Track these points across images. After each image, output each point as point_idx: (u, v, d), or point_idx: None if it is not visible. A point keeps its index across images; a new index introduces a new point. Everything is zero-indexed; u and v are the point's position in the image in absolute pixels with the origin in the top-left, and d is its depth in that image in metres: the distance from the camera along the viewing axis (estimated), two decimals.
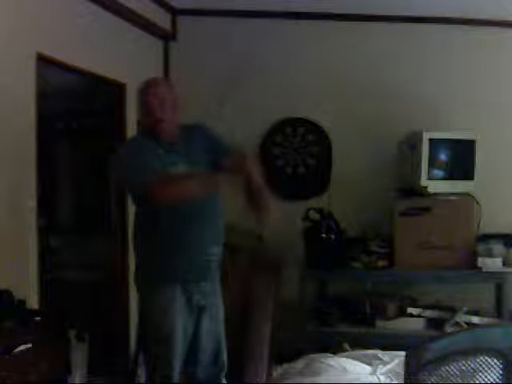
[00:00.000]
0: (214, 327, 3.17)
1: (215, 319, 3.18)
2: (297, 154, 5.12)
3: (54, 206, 5.54)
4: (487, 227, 4.61)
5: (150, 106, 3.02)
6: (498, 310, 4.53)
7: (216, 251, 3.13)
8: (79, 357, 3.35)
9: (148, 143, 3.04)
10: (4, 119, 3.24)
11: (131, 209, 4.47)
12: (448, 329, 4.34)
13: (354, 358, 3.69)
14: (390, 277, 4.63)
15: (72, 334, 3.29)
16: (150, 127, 3.06)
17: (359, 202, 4.87)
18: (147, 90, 3.07)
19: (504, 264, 4.45)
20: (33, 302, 3.31)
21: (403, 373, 1.88)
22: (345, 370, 3.48)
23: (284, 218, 4.87)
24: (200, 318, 3.11)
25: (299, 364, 3.70)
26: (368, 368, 3.54)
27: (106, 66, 4.20)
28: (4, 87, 3.23)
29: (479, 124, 4.79)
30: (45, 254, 3.90)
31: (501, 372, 1.88)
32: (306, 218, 4.61)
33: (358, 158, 4.96)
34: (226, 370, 3.25)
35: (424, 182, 4.54)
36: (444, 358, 1.83)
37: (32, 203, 3.48)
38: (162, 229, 3.01)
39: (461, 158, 4.69)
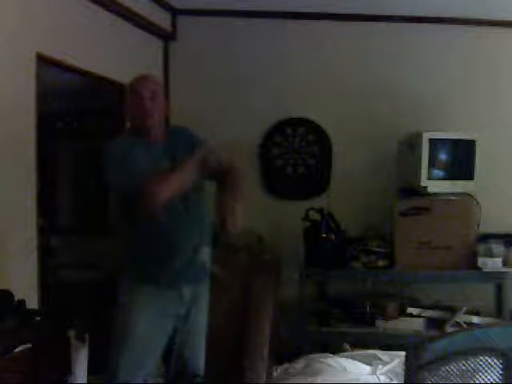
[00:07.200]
0: (192, 329, 3.08)
1: (194, 323, 3.09)
2: (297, 154, 5.12)
3: (54, 205, 5.54)
4: (487, 227, 4.61)
5: (139, 101, 2.95)
6: (498, 310, 4.53)
7: (203, 251, 3.06)
8: (79, 357, 3.33)
9: (135, 141, 2.97)
10: (4, 119, 3.24)
11: None
12: (448, 329, 4.34)
13: (353, 358, 3.70)
14: (390, 277, 4.62)
15: (72, 334, 3.28)
16: (138, 124, 3.00)
17: (359, 201, 4.86)
18: (138, 85, 3.03)
19: (504, 264, 4.45)
20: (33, 302, 3.31)
21: (403, 373, 1.88)
22: (345, 369, 3.49)
23: (284, 218, 4.92)
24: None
25: (299, 364, 3.70)
26: (368, 368, 3.54)
27: (106, 65, 4.20)
28: (4, 87, 3.23)
29: (479, 124, 4.79)
30: (45, 254, 3.90)
31: (501, 372, 1.88)
32: (306, 218, 4.61)
33: (358, 158, 4.96)
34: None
35: (424, 181, 4.54)
36: (444, 358, 1.83)
37: (32, 203, 3.49)
38: (151, 230, 2.94)
39: (461, 158, 4.69)
